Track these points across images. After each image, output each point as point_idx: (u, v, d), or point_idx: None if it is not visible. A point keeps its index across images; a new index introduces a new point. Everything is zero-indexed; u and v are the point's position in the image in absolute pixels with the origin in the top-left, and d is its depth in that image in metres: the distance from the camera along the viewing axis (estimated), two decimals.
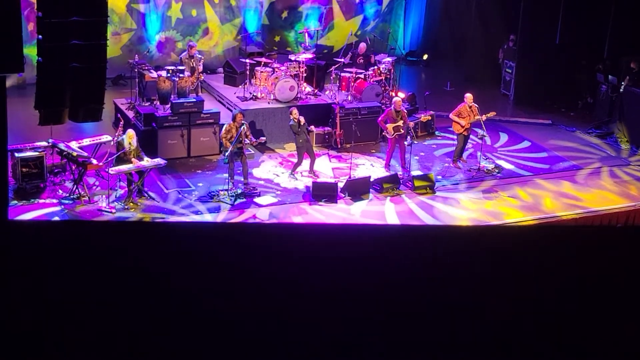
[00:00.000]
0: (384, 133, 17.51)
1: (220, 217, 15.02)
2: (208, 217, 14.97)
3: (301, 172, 16.83)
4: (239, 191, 15.78)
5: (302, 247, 4.00)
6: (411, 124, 17.36)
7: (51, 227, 4.61)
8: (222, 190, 15.77)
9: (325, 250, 3.92)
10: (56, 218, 14.58)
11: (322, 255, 3.90)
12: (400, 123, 17.08)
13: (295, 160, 16.96)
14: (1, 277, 3.67)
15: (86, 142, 16.24)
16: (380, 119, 17.42)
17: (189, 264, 3.80)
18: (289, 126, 16.81)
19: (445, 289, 3.91)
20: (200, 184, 16.22)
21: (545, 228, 9.43)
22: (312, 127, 17.14)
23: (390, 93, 19.90)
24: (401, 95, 19.73)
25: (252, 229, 5.02)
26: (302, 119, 16.54)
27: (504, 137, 19.59)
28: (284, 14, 23.45)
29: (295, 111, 16.68)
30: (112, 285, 3.68)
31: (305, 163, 16.84)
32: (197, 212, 15.13)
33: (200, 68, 18.78)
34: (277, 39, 23.43)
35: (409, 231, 4.93)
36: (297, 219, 15.13)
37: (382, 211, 15.62)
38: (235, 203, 15.47)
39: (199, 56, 18.96)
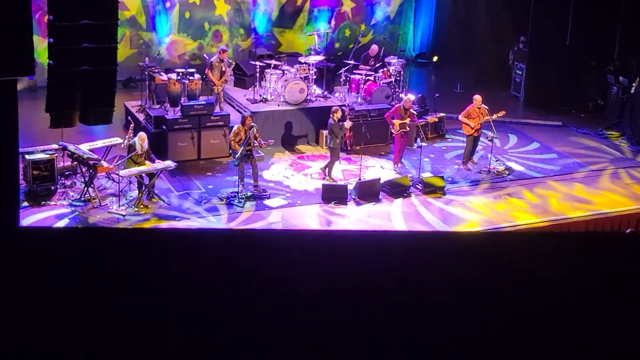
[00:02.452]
0: (391, 129, 17.64)
1: (229, 219, 15.04)
2: (216, 219, 14.99)
3: (310, 174, 16.86)
4: (249, 193, 15.80)
5: (306, 253, 4.00)
6: (422, 122, 17.42)
7: (61, 233, 4.62)
8: (231, 193, 15.79)
9: (323, 257, 3.92)
10: (67, 220, 14.63)
11: (320, 261, 3.90)
12: (407, 121, 17.26)
13: (303, 161, 16.97)
14: (11, 283, 3.68)
15: (97, 144, 16.30)
16: (387, 114, 17.59)
17: (198, 271, 3.81)
18: (329, 125, 16.85)
19: (450, 295, 3.90)
20: (210, 186, 16.24)
21: (552, 234, 9.36)
22: (348, 123, 17.06)
23: (400, 95, 19.91)
24: (411, 97, 19.75)
25: (263, 235, 5.01)
26: (348, 123, 16.68)
27: (535, 145, 19.47)
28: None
29: (340, 112, 16.75)
30: (121, 292, 3.68)
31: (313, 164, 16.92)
32: (205, 215, 15.15)
33: (229, 72, 18.71)
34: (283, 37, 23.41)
35: (410, 238, 4.93)
36: (307, 221, 15.17)
37: (391, 214, 15.61)
38: (245, 205, 15.50)
39: (229, 60, 18.92)
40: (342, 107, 18.04)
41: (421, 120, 18.09)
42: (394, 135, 17.52)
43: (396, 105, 17.73)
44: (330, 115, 16.81)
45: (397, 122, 17.24)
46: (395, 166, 17.52)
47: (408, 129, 17.36)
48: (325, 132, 18.16)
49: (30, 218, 14.57)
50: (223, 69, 18.44)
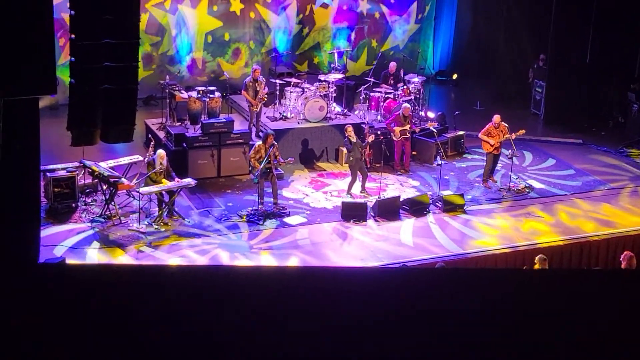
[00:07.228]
0: (392, 136, 18.03)
1: (249, 237, 15.06)
2: (236, 237, 15.02)
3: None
4: (269, 211, 15.84)
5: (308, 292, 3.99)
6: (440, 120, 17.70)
7: (80, 270, 4.64)
8: (251, 210, 15.82)
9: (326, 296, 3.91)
10: (93, 242, 14.71)
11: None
12: (407, 127, 17.96)
13: (323, 179, 16.98)
14: (30, 320, 3.69)
15: (117, 162, 16.38)
16: (387, 121, 18.23)
17: (213, 309, 3.81)
18: (344, 142, 17.13)
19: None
20: (230, 204, 16.28)
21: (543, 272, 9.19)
22: (372, 137, 17.15)
23: (420, 113, 19.94)
24: (430, 114, 19.77)
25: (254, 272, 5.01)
26: (357, 139, 16.83)
27: (551, 161, 19.39)
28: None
29: (350, 128, 16.86)
30: (141, 330, 3.69)
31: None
32: (225, 233, 15.17)
33: (263, 92, 18.61)
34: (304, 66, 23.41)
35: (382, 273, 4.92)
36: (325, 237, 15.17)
37: (410, 232, 15.59)
38: (264, 223, 15.53)
39: (262, 79, 18.92)
40: (362, 125, 18.07)
41: (442, 140, 18.06)
42: (394, 141, 17.96)
43: (395, 114, 18.21)
44: (345, 134, 16.97)
45: (397, 129, 17.87)
46: (397, 172, 17.99)
47: (408, 135, 17.94)
48: (344, 149, 18.16)
49: (52, 236, 14.66)
50: (257, 88, 18.38)
